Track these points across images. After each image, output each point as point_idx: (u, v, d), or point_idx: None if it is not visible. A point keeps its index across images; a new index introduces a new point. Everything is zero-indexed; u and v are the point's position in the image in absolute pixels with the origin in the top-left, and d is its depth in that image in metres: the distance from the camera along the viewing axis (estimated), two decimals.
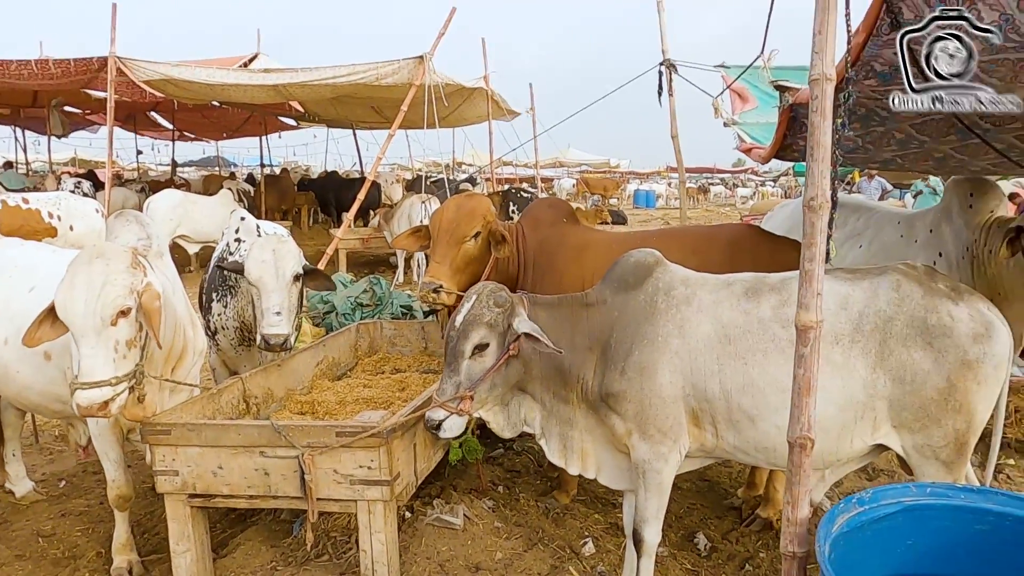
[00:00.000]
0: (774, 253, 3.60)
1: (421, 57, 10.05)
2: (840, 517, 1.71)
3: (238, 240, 4.11)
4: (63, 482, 4.51)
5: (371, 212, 14.65)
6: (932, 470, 2.54)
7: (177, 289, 3.25)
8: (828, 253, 1.96)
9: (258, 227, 4.24)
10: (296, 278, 3.65)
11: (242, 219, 4.26)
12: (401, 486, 2.86)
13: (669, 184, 41.89)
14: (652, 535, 2.81)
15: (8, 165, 16.54)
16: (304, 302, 5.44)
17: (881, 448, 2.67)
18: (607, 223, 19.15)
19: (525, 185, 18.97)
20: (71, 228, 8.74)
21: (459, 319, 2.75)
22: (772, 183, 42.42)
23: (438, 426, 2.74)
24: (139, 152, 23.51)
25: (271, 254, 3.55)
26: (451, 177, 19.93)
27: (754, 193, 38.65)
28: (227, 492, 2.87)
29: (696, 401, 2.69)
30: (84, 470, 4.64)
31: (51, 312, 2.67)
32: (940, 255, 4.34)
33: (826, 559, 1.55)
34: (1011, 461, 4.45)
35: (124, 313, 2.61)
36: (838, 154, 1.89)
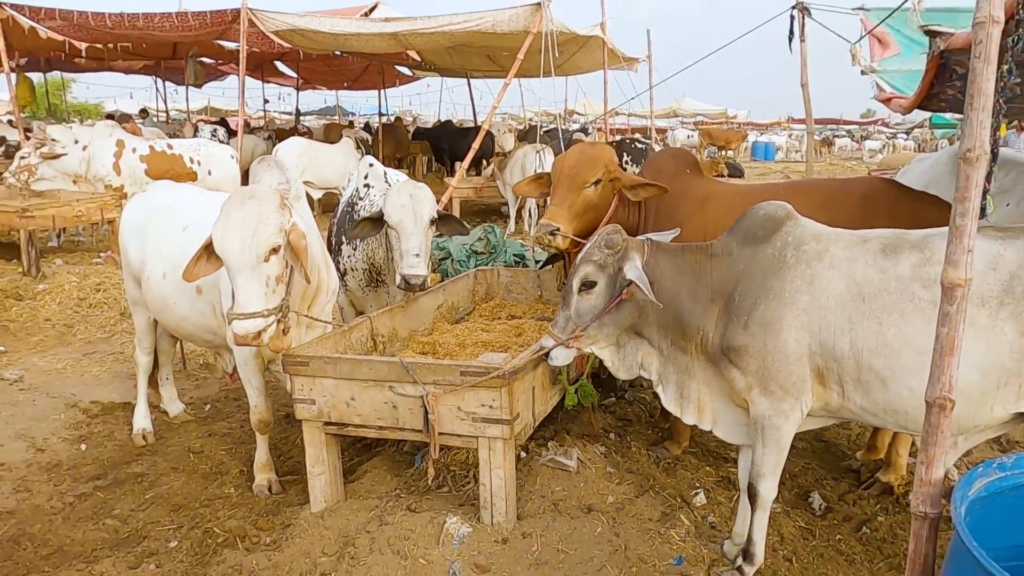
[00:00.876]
0: (915, 210, 3.41)
1: (538, 4, 9.96)
2: (978, 481, 1.65)
3: (367, 186, 4.29)
4: (208, 406, 4.94)
5: (484, 161, 14.81)
6: None
7: (312, 230, 3.45)
8: (984, 209, 1.85)
9: (385, 174, 4.40)
10: (432, 222, 3.81)
11: (370, 165, 4.43)
12: (520, 426, 2.97)
13: (790, 135, 39.89)
14: (768, 490, 2.80)
15: (144, 112, 17.67)
16: None
17: (1022, 417, 2.53)
18: (723, 175, 18.56)
19: (639, 136, 18.56)
20: (209, 173, 9.33)
21: (579, 257, 2.81)
22: (904, 135, 39.58)
23: (547, 354, 2.87)
24: (266, 101, 24.56)
25: (409, 199, 3.72)
26: (563, 127, 19.77)
27: (884, 146, 36.17)
28: (359, 422, 3.07)
29: (823, 360, 2.62)
30: (226, 396, 5.07)
31: (207, 249, 2.91)
32: None
33: (962, 521, 1.52)
34: None
35: (275, 250, 2.83)
36: (1001, 103, 1.77)
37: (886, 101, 4.69)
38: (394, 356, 3.27)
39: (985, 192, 1.83)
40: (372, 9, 14.10)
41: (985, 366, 2.42)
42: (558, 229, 3.48)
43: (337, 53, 14.39)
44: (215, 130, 14.61)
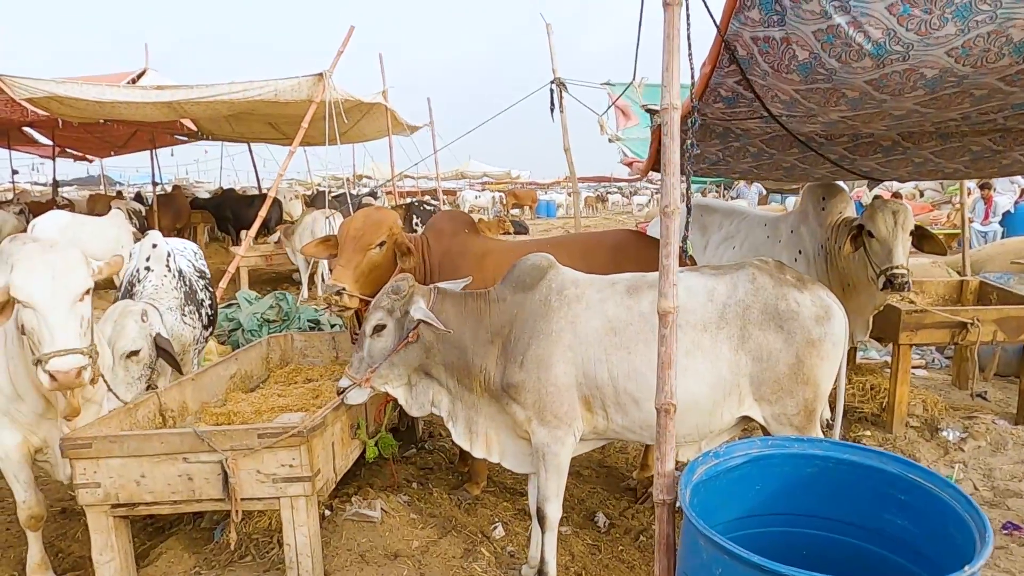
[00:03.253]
0: (653, 254, 3.99)
1: (320, 74, 10.15)
2: (699, 468, 2.05)
3: (148, 268, 4.24)
4: None
5: (268, 229, 14.49)
6: (787, 435, 2.96)
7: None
8: (684, 250, 2.32)
9: (169, 256, 4.35)
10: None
11: (154, 246, 4.36)
12: (322, 482, 3.06)
13: (568, 194, 43.00)
14: (554, 512, 3.12)
15: None
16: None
17: (746, 420, 3.08)
18: (509, 233, 19.63)
19: (428, 198, 19.18)
20: None
21: (373, 301, 3.08)
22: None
23: (343, 394, 3.08)
24: (15, 172, 22.15)
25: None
26: (352, 192, 19.87)
27: (649, 201, 40.18)
28: (151, 499, 2.97)
29: (588, 388, 3.02)
30: None
31: None
32: (800, 252, 4.90)
33: (687, 503, 1.88)
34: (868, 432, 5.04)
35: (88, 292, 2.83)
36: (690, 168, 2.26)
37: (629, 164, 5.42)
38: (187, 428, 3.22)
39: (684, 238, 2.30)
40: (141, 75, 13.49)
41: (712, 380, 2.93)
42: (344, 289, 3.66)
43: (101, 120, 13.50)
44: None
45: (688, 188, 2.32)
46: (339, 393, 3.10)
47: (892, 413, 5.02)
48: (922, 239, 4.53)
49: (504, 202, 33.69)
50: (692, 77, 2.06)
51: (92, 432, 3.00)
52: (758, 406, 3.00)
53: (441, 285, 3.25)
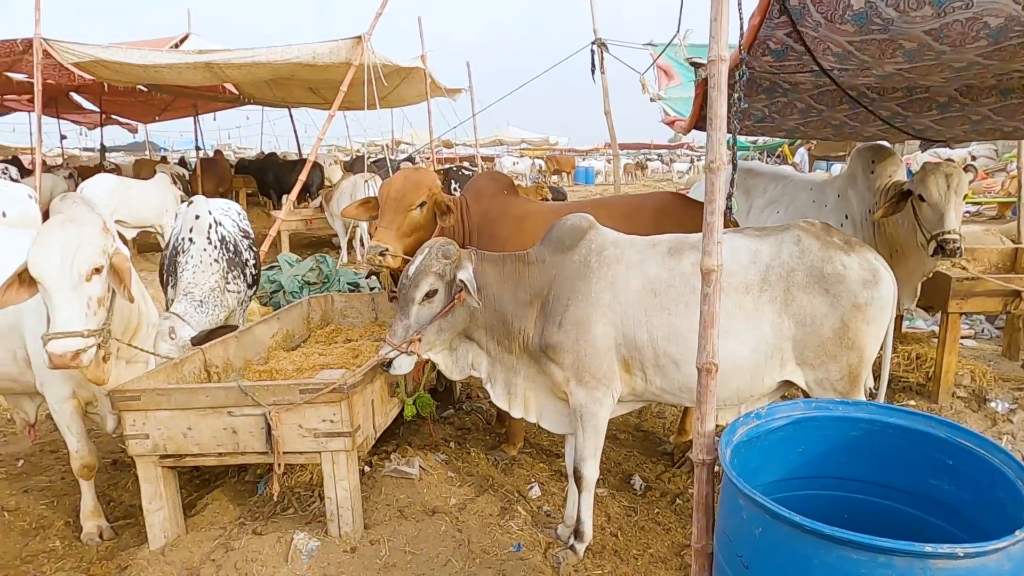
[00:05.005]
0: (696, 217, 3.92)
1: (359, 37, 10.12)
2: (740, 428, 2.03)
3: (191, 240, 4.32)
4: (21, 462, 4.58)
5: (309, 194, 14.62)
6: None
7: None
8: (730, 208, 2.27)
9: (210, 228, 4.43)
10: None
11: (196, 217, 4.43)
12: (361, 437, 3.11)
13: (608, 161, 42.51)
14: (591, 472, 3.13)
15: None
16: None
17: (789, 384, 3.04)
18: (546, 199, 19.51)
19: (466, 163, 19.12)
20: (3, 214, 8.54)
21: (412, 269, 2.99)
22: None
23: (389, 364, 2.99)
24: (63, 137, 22.65)
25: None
26: (391, 157, 19.89)
27: (690, 167, 39.58)
28: (197, 451, 3.06)
29: (627, 350, 2.99)
30: (42, 450, 4.72)
31: (19, 276, 2.79)
32: (847, 217, 4.77)
33: (728, 462, 1.86)
34: (912, 402, 4.94)
35: (98, 270, 2.78)
36: (737, 124, 2.20)
37: (671, 124, 5.32)
38: (232, 383, 3.29)
39: (729, 195, 2.25)
40: (183, 40, 13.60)
41: (754, 343, 2.89)
42: (387, 249, 3.67)
43: (142, 88, 13.68)
44: (6, 168, 13.33)
45: (735, 145, 2.26)
46: (385, 365, 2.99)
47: (938, 383, 4.91)
48: None
49: (544, 169, 33.60)
50: (740, 28, 1.98)
51: (141, 385, 3.09)
52: (801, 370, 2.95)
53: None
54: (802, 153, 16.05)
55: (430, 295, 2.99)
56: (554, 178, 32.07)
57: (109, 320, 2.92)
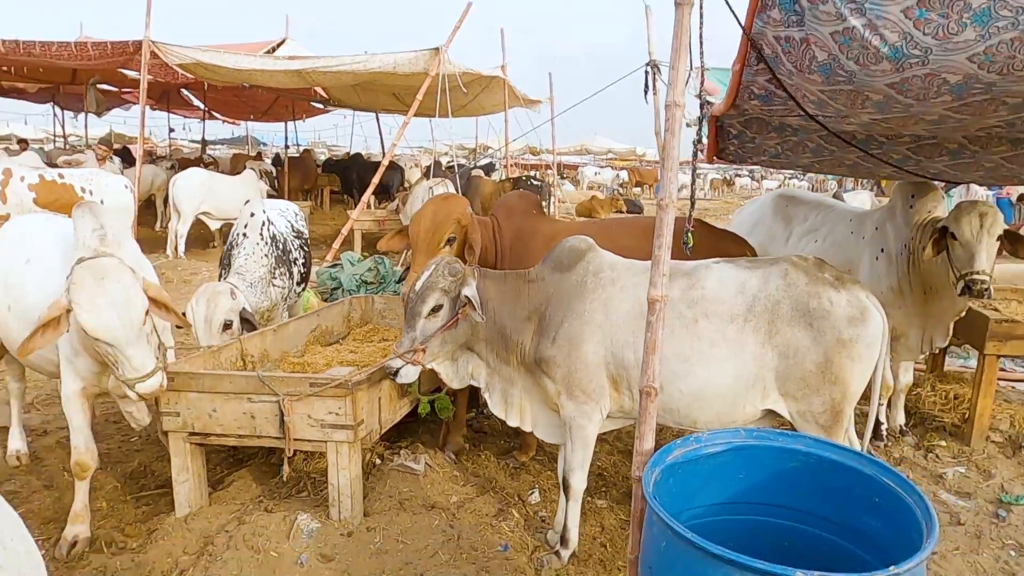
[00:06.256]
0: (715, 243, 4.02)
1: (437, 49, 10.53)
2: (677, 450, 2.14)
3: (245, 235, 4.72)
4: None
5: (389, 195, 15.20)
6: (813, 433, 2.97)
7: (144, 266, 3.56)
8: (685, 244, 2.39)
9: (263, 225, 4.82)
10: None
11: (251, 215, 4.84)
12: (365, 431, 3.36)
13: (685, 173, 41.83)
14: (578, 482, 3.28)
15: (24, 143, 16.75)
16: (314, 277, 6.01)
17: (772, 413, 3.10)
18: (621, 211, 19.53)
19: (535, 173, 19.34)
20: (101, 202, 9.35)
21: (419, 285, 3.22)
22: (801, 176, 42.30)
23: (395, 373, 3.24)
24: (171, 130, 24.26)
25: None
26: (475, 162, 20.33)
27: (780, 186, 38.56)
28: (220, 431, 3.39)
29: (615, 368, 3.14)
30: (105, 419, 5.18)
31: (48, 323, 2.92)
32: (882, 251, 4.71)
33: (647, 481, 1.98)
34: (943, 442, 4.83)
35: (147, 312, 3.01)
36: (695, 164, 2.32)
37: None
38: (253, 372, 3.62)
39: (687, 231, 2.37)
40: (279, 44, 14.42)
41: (734, 371, 2.98)
42: None
43: (245, 86, 14.57)
44: (110, 158, 14.44)
45: (693, 183, 2.39)
46: (392, 374, 3.22)
47: (972, 425, 4.78)
48: (1016, 244, 4.25)
49: (627, 181, 33.52)
50: (689, 74, 2.11)
51: (175, 368, 3.44)
52: (784, 401, 3.02)
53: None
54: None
55: (436, 309, 3.20)
56: (635, 190, 31.94)
57: (154, 333, 3.16)
